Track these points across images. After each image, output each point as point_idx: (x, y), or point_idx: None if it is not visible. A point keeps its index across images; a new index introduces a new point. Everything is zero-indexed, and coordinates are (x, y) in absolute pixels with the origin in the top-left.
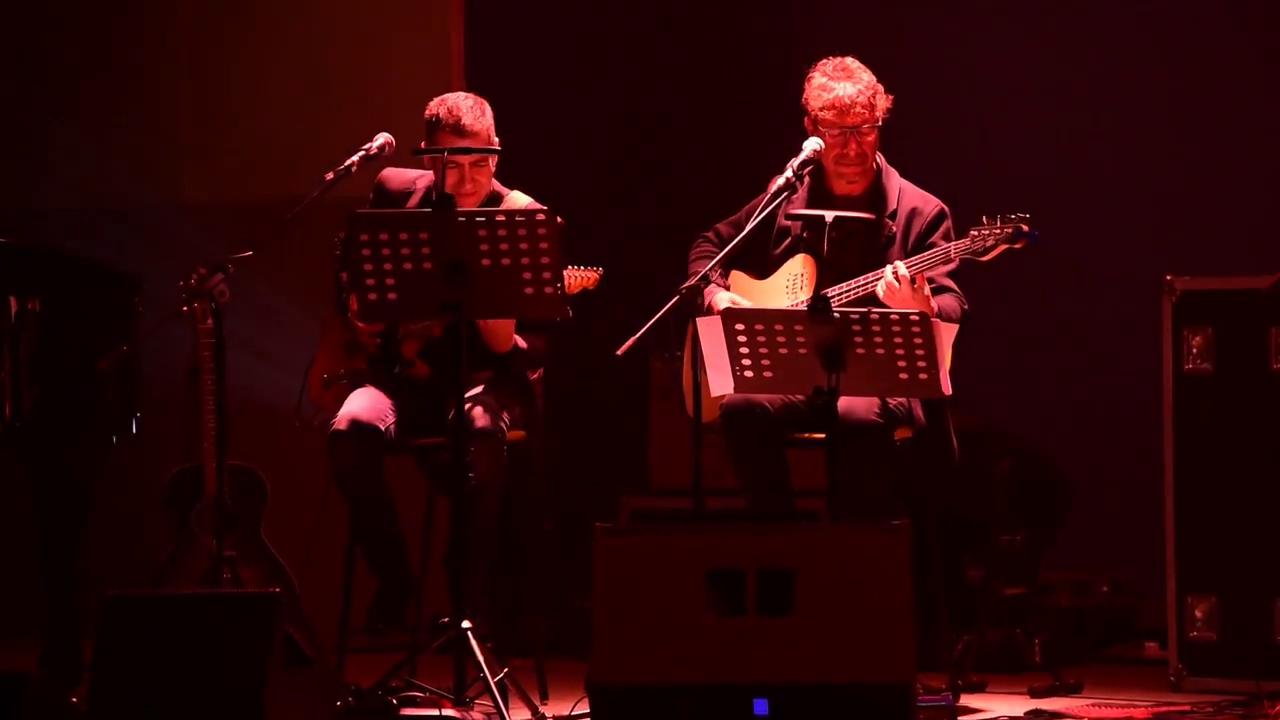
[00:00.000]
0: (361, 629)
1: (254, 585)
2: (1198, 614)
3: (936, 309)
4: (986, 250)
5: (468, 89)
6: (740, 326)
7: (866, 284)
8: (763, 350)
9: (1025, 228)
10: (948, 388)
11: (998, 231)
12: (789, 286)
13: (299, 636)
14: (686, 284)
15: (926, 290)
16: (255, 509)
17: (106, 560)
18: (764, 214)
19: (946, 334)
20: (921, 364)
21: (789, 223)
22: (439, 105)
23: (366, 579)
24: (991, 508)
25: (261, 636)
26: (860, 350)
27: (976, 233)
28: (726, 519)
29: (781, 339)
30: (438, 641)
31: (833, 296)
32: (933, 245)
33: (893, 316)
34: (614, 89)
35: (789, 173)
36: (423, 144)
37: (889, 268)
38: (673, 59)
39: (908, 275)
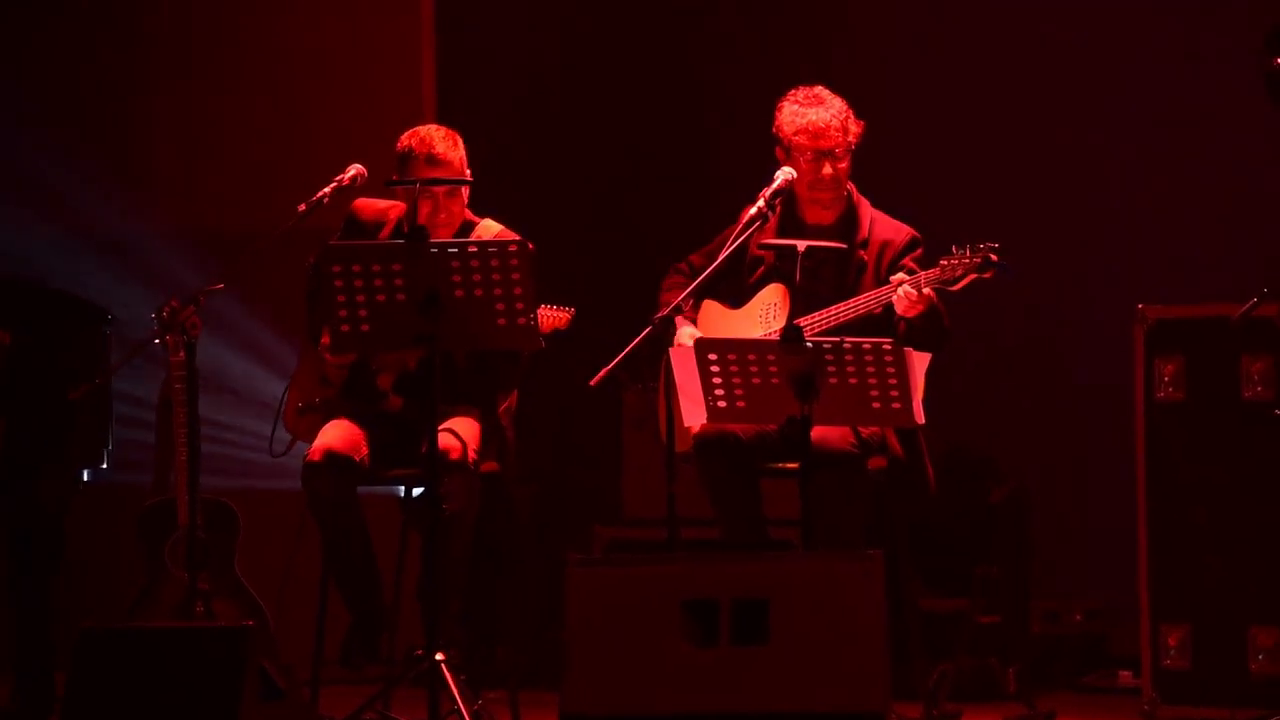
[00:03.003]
0: (336, 661)
1: (227, 618)
2: (1171, 642)
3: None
4: (956, 280)
5: (440, 121)
6: (713, 356)
7: (839, 314)
8: (735, 380)
9: (994, 258)
10: (920, 417)
11: (966, 261)
12: (762, 316)
13: (272, 669)
14: (659, 314)
15: (928, 290)
16: (228, 542)
17: (79, 593)
18: (736, 244)
19: (919, 363)
20: (894, 393)
21: (761, 252)
22: (410, 137)
23: (340, 611)
24: (974, 536)
25: (235, 670)
26: (833, 380)
27: (946, 262)
28: (700, 549)
29: (754, 369)
30: (412, 673)
31: (805, 326)
32: (904, 268)
33: (865, 346)
34: (587, 120)
35: (760, 202)
36: (394, 176)
37: (901, 287)
38: (646, 92)
39: (917, 293)
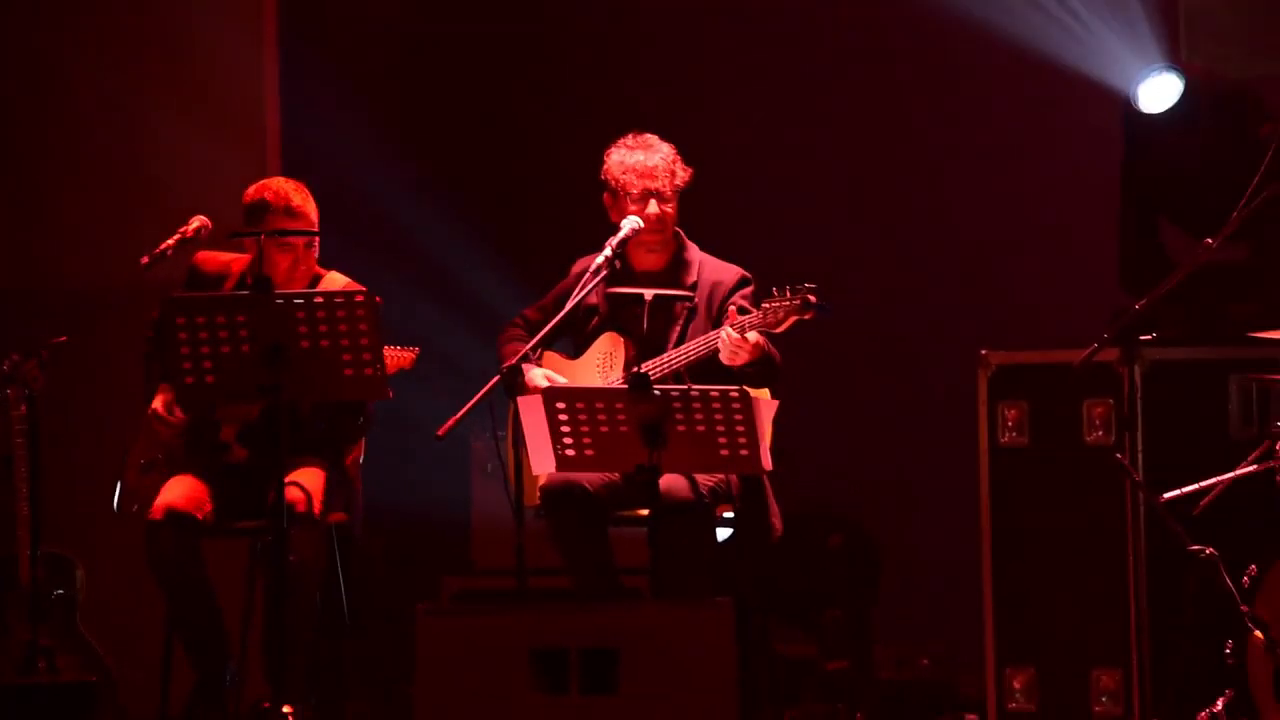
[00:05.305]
0: (181, 717)
1: (70, 675)
2: (1016, 685)
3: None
4: (778, 323)
5: (283, 174)
6: (561, 405)
7: (673, 360)
8: (584, 429)
9: (813, 299)
10: (768, 463)
11: (786, 304)
12: (600, 365)
13: None
14: (507, 363)
15: (756, 336)
16: (71, 597)
17: None
18: (584, 293)
19: (766, 410)
20: (742, 440)
21: (596, 301)
22: (263, 190)
23: (186, 666)
24: (821, 582)
25: None
26: (681, 427)
27: (767, 305)
28: (550, 598)
29: (602, 417)
30: None
31: (651, 371)
32: (734, 306)
33: (713, 394)
34: (426, 175)
35: (608, 250)
36: (240, 228)
37: (724, 332)
38: (485, 147)
39: (741, 338)
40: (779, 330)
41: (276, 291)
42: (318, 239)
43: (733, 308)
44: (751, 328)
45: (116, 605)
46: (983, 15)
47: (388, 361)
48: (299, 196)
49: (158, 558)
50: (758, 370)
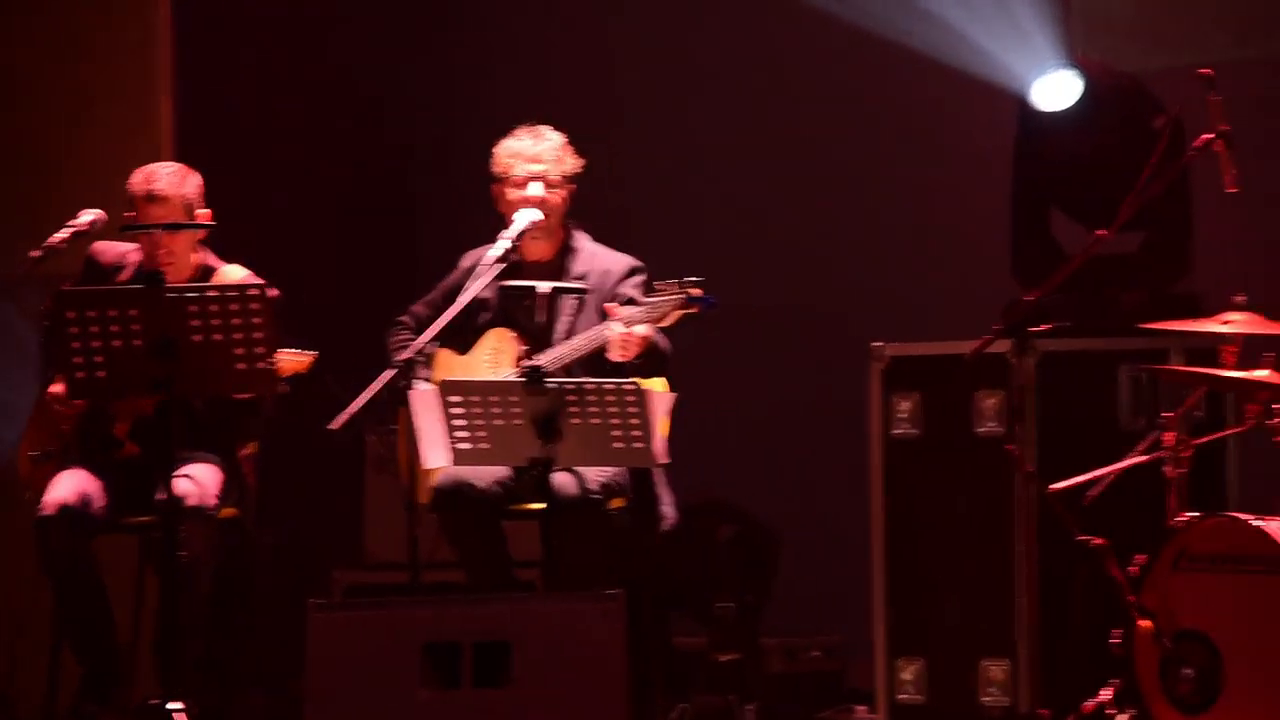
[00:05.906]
0: (68, 713)
1: None
2: (906, 676)
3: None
4: (663, 316)
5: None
6: (456, 398)
7: (562, 354)
8: (479, 422)
9: (697, 292)
10: (662, 456)
11: (669, 298)
12: (489, 360)
13: None
14: (402, 356)
15: (645, 330)
16: None
17: None
18: (483, 284)
19: (662, 404)
20: (636, 433)
21: (486, 295)
22: (137, 174)
23: (73, 665)
24: (712, 574)
25: None
26: (575, 420)
27: (651, 300)
28: (443, 592)
29: (497, 410)
30: None
31: (542, 364)
32: (621, 297)
33: (607, 387)
34: (326, 167)
35: (505, 243)
36: (128, 215)
37: (612, 328)
38: (387, 139)
39: (628, 333)
40: (665, 324)
41: (168, 285)
42: (201, 228)
43: (611, 304)
44: (637, 322)
45: (4, 601)
46: (874, 10)
47: (283, 365)
48: (165, 181)
49: (48, 554)
50: (646, 362)
